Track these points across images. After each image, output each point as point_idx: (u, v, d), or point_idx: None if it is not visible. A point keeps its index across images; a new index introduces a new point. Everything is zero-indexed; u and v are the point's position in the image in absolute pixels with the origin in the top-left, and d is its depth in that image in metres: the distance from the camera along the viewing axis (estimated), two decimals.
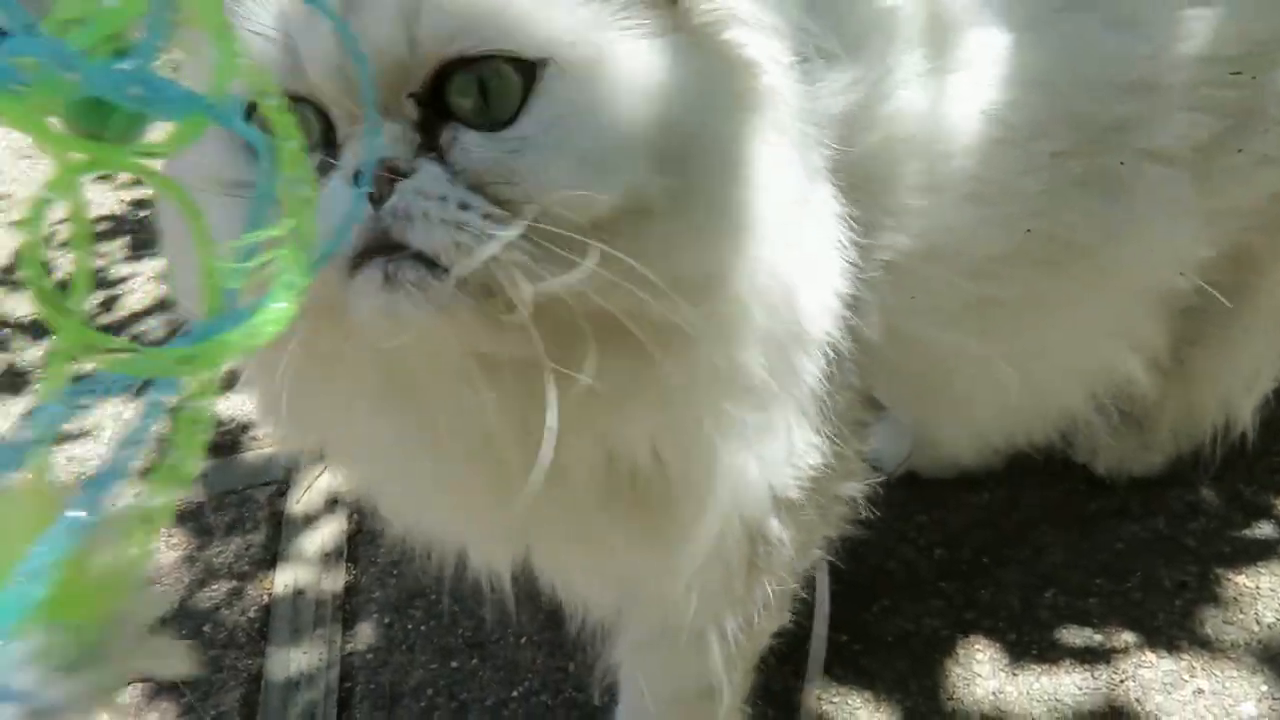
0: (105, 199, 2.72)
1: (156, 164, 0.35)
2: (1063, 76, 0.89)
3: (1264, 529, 1.34)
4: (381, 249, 0.53)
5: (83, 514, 0.30)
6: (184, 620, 1.42)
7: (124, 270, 2.34)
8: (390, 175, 0.52)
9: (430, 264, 0.53)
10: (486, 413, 0.61)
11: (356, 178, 0.52)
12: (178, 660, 0.35)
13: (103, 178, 2.84)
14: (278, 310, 0.34)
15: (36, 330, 2.16)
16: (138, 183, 2.77)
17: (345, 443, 0.76)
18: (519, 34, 0.54)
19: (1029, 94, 0.87)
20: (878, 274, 0.82)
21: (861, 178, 0.79)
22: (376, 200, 0.52)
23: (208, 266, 0.34)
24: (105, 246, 2.47)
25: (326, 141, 0.56)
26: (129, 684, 0.26)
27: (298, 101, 0.55)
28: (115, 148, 0.33)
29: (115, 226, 2.55)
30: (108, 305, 2.21)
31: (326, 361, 0.60)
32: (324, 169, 0.55)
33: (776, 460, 0.78)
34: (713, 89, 0.61)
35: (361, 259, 0.53)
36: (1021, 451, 1.24)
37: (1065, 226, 0.91)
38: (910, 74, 0.85)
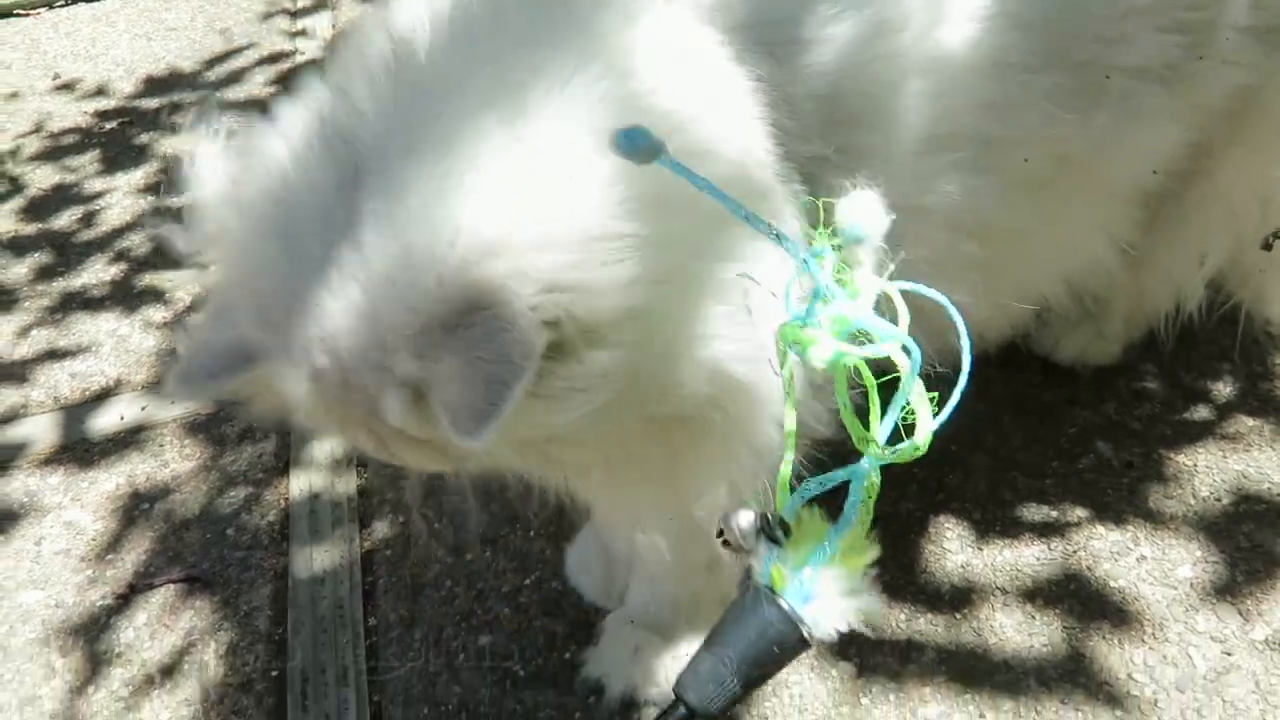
0: (67, 110, 2.68)
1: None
2: (1051, 6, 1.00)
3: (1201, 412, 1.48)
4: None
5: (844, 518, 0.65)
6: (208, 524, 1.51)
7: (98, 184, 2.34)
8: None
9: None
10: None
11: None
12: (874, 604, 0.67)
13: (62, 87, 2.80)
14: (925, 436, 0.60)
15: (17, 247, 2.17)
16: (100, 93, 2.74)
17: None
18: None
19: (1024, 23, 0.98)
20: None
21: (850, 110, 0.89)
22: None
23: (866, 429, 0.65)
24: (74, 160, 2.45)
25: None
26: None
27: None
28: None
29: (82, 140, 2.53)
30: (87, 221, 2.22)
31: None
32: None
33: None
34: None
35: None
36: (984, 349, 1.35)
37: (1059, 141, 1.02)
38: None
